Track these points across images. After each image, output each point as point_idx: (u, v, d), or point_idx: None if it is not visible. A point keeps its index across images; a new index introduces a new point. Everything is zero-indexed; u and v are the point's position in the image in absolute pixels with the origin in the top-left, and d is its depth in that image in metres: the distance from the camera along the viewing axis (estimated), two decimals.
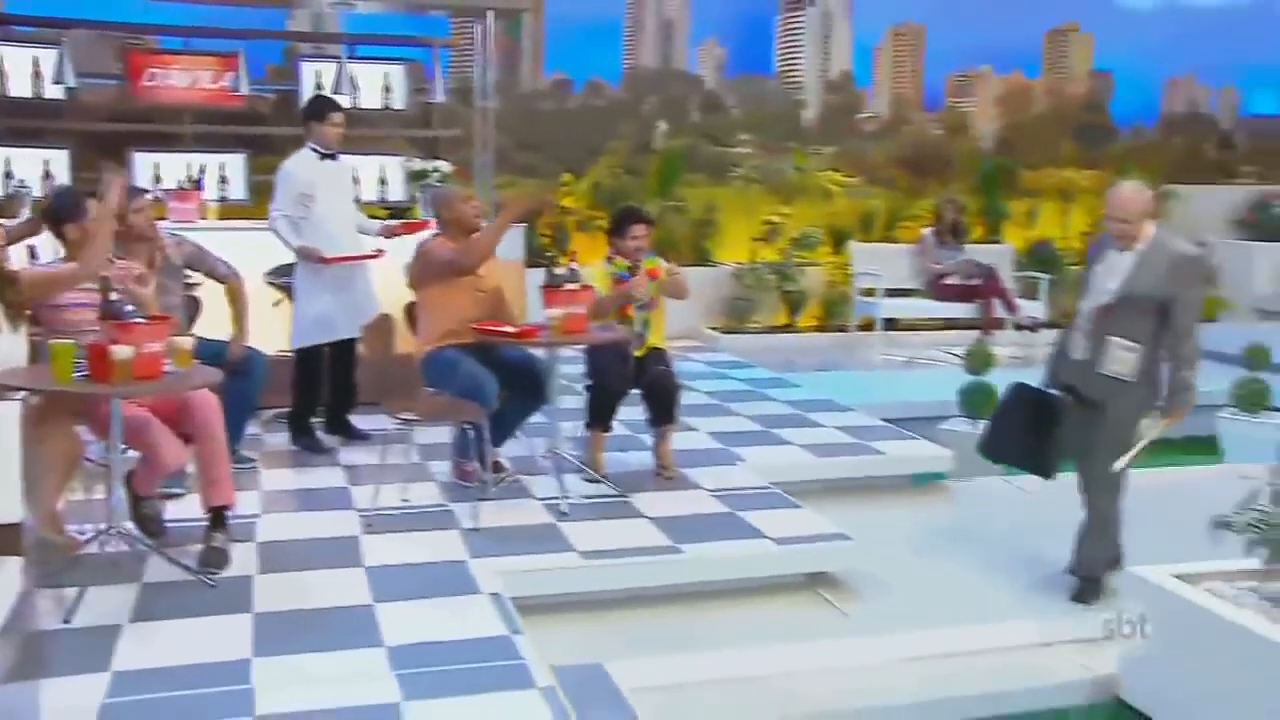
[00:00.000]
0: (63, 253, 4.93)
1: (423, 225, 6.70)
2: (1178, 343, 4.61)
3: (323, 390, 6.46)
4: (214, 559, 4.51)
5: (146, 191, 5.97)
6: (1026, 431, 4.87)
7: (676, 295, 6.01)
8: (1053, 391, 4.86)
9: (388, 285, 6.31)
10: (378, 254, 6.41)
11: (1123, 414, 4.67)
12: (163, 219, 6.90)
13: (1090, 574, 4.86)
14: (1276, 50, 14.55)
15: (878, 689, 4.00)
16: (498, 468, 5.69)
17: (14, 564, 3.71)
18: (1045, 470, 4.91)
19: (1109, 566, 4.86)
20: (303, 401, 6.38)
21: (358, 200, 6.66)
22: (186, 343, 4.47)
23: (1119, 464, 4.63)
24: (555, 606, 4.65)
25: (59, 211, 4.82)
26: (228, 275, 5.79)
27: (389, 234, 6.56)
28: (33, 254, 6.23)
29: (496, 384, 5.36)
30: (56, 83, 8.10)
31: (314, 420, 6.45)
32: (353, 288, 6.33)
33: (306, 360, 6.35)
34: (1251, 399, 7.42)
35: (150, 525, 4.77)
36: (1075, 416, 4.74)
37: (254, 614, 4.18)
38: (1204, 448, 7.64)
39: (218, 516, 4.58)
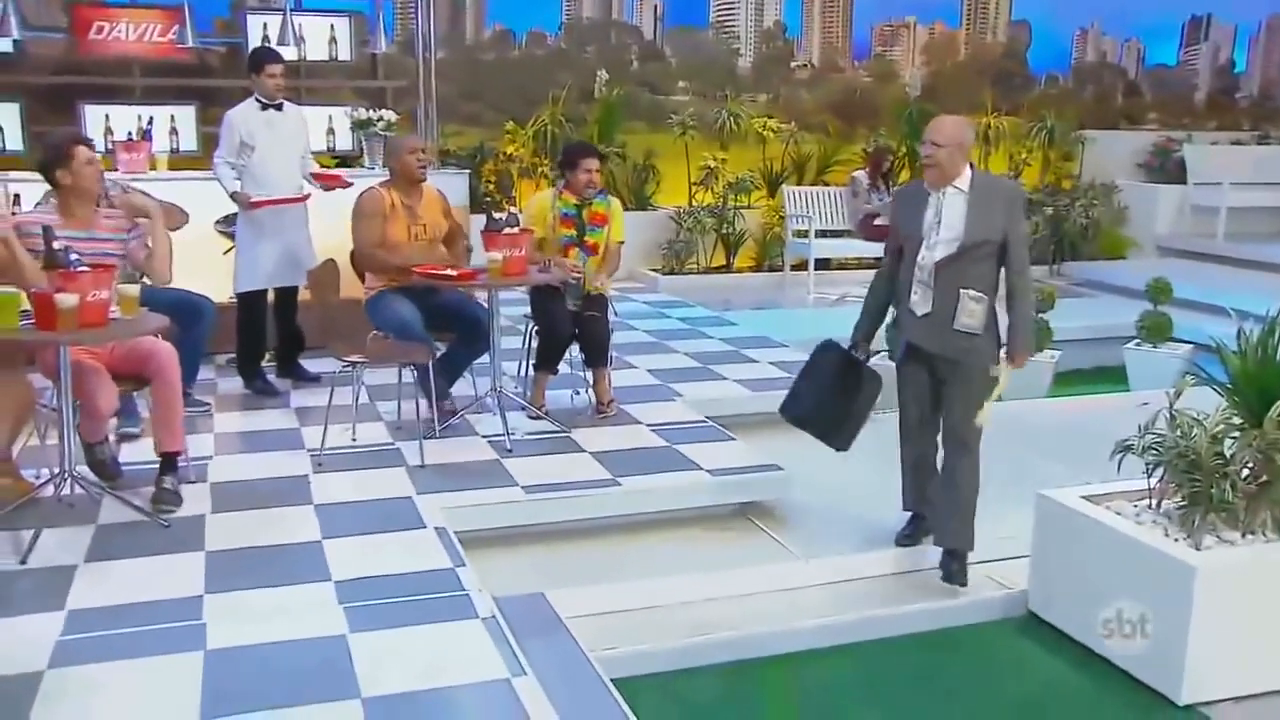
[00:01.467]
0: (54, 200, 4.69)
1: (335, 177, 6.47)
2: (1016, 279, 4.30)
3: (268, 335, 6.34)
4: (166, 499, 4.42)
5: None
6: (832, 398, 4.51)
7: (610, 271, 5.93)
8: (858, 356, 4.52)
9: (331, 231, 6.16)
10: (304, 197, 6.26)
11: (979, 366, 4.32)
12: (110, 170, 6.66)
13: (959, 548, 4.31)
14: (1172, 4, 14.61)
15: (800, 611, 3.99)
16: (444, 407, 5.60)
17: None
18: (842, 443, 4.54)
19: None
20: (247, 345, 6.26)
21: (307, 150, 6.46)
22: (133, 290, 4.32)
23: (980, 417, 4.30)
24: (499, 539, 4.60)
25: (48, 160, 4.60)
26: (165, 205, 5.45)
27: (326, 187, 6.38)
28: (17, 200, 6.08)
29: (421, 321, 5.31)
30: (3, 36, 7.79)
31: (264, 364, 6.33)
32: (291, 236, 6.19)
33: (249, 305, 6.23)
34: (1155, 330, 7.51)
35: (104, 469, 4.66)
36: (922, 376, 4.42)
37: (206, 552, 4.09)
38: (1113, 376, 7.74)
39: (168, 461, 4.53)
